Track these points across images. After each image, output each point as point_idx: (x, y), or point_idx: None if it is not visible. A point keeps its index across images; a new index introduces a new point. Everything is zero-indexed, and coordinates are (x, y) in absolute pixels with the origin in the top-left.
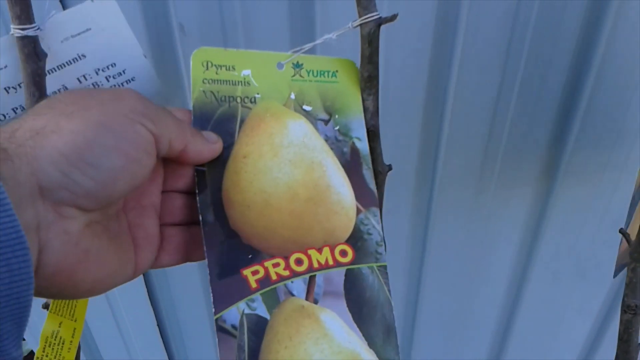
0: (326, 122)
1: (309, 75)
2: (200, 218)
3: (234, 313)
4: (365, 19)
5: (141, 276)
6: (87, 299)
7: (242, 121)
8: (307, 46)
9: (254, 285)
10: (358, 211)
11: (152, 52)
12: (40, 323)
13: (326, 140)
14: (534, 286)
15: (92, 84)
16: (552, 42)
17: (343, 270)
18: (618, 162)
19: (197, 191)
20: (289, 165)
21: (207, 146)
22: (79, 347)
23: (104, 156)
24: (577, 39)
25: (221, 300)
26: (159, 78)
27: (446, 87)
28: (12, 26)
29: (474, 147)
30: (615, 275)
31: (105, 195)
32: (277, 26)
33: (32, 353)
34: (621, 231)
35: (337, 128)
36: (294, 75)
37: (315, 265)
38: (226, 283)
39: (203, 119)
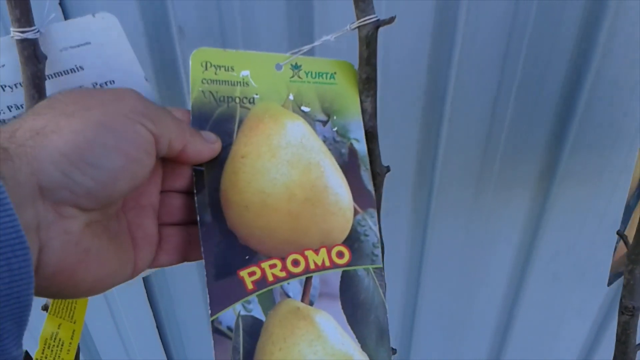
0: (324, 123)
1: (307, 77)
2: (198, 218)
3: (230, 315)
4: (363, 21)
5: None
6: (87, 301)
7: (240, 121)
8: (306, 48)
9: (250, 286)
10: (355, 212)
11: (151, 54)
12: (39, 324)
13: (324, 141)
14: (533, 287)
15: None
16: (551, 43)
17: (339, 271)
18: (617, 163)
19: (195, 191)
20: (287, 165)
21: (206, 146)
22: (78, 348)
23: (104, 156)
24: (575, 40)
25: (217, 302)
26: (159, 79)
27: (445, 88)
28: (12, 29)
29: (472, 148)
30: (609, 284)
31: (105, 195)
32: (275, 28)
33: (27, 354)
34: (619, 233)
35: (335, 129)
36: (292, 77)
37: (312, 266)
38: (223, 284)
39: (202, 119)
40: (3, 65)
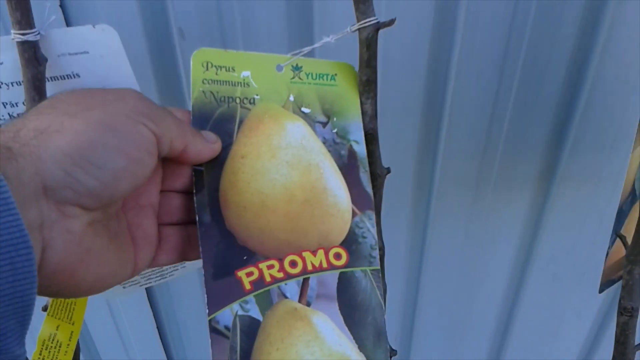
0: (324, 124)
1: (308, 78)
2: (197, 218)
3: (228, 314)
4: (364, 23)
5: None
6: (86, 303)
7: (240, 122)
8: (307, 49)
9: (248, 286)
10: (354, 214)
11: (152, 55)
12: (37, 325)
13: (324, 143)
14: (532, 287)
15: None
16: (550, 46)
17: (337, 273)
18: (616, 164)
19: (194, 191)
20: (287, 166)
21: (206, 146)
22: (79, 349)
23: (107, 156)
24: (574, 42)
25: (215, 302)
26: (159, 81)
27: (444, 90)
28: (12, 31)
29: (472, 149)
30: (600, 291)
31: (108, 195)
32: (275, 30)
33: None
34: (618, 234)
35: (335, 131)
36: (293, 78)
37: (310, 267)
38: (220, 284)
39: (202, 119)
40: (1, 63)
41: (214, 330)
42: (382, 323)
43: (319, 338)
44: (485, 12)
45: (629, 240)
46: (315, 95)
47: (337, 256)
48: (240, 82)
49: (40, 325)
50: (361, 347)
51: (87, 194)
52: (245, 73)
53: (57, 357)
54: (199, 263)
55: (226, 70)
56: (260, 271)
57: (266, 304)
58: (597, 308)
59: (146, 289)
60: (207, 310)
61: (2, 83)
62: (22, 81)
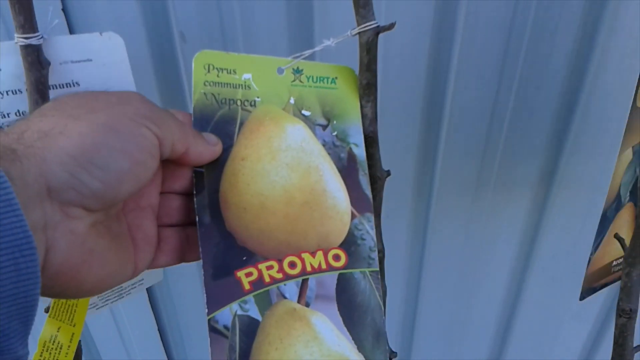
0: (324, 127)
1: (308, 81)
2: (197, 219)
3: (227, 314)
4: (364, 27)
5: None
6: (87, 305)
7: (241, 124)
8: (307, 52)
9: (247, 287)
10: (353, 216)
11: (153, 59)
12: (39, 326)
13: (324, 145)
14: (532, 289)
15: None
16: (548, 49)
17: (335, 274)
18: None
19: (194, 192)
20: (287, 169)
21: (207, 148)
22: (80, 350)
23: (111, 158)
24: (573, 45)
25: (214, 301)
26: (160, 84)
27: (444, 93)
28: (16, 35)
29: (472, 151)
30: (581, 299)
31: (111, 196)
32: (276, 33)
33: None
34: (616, 236)
35: (335, 133)
36: (293, 81)
37: (309, 268)
38: (220, 284)
39: (203, 121)
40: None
41: (213, 329)
42: (381, 324)
43: (318, 338)
44: (484, 15)
45: (611, 251)
46: (316, 98)
47: (336, 257)
48: (242, 85)
49: (40, 327)
50: (360, 348)
51: (91, 195)
52: (247, 75)
53: (57, 359)
54: (157, 279)
55: (227, 72)
56: (260, 272)
57: (265, 304)
58: (597, 310)
59: (147, 289)
60: (207, 310)
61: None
62: (25, 84)
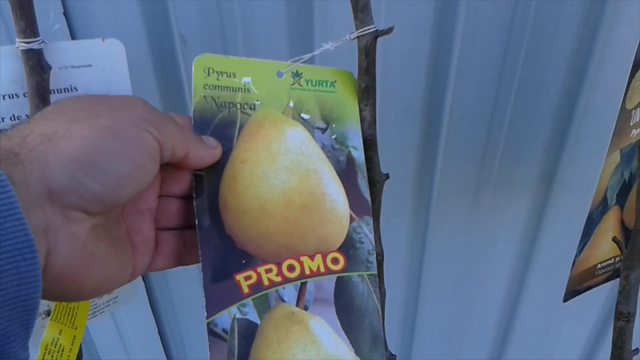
0: (323, 130)
1: (307, 85)
2: (197, 222)
3: (226, 317)
4: (362, 31)
5: (140, 277)
6: (88, 307)
7: (241, 127)
8: (307, 56)
9: (246, 290)
10: (351, 219)
11: (154, 62)
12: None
13: (323, 149)
14: (532, 291)
15: None
16: (547, 53)
17: (334, 277)
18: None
19: (194, 195)
20: (286, 172)
21: (207, 152)
22: (81, 353)
23: (113, 162)
24: (572, 49)
25: (214, 305)
26: (161, 87)
27: (443, 95)
28: (17, 39)
29: (471, 153)
30: (565, 300)
31: (111, 200)
32: (276, 37)
33: None
34: (614, 240)
35: (333, 137)
36: (293, 84)
37: (307, 272)
38: (219, 287)
39: (203, 124)
40: None
41: (212, 333)
42: (378, 328)
43: (316, 342)
44: (483, 17)
45: (597, 254)
46: (315, 101)
47: (335, 261)
48: (241, 88)
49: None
50: (357, 351)
51: (92, 199)
52: (246, 79)
53: None
54: (131, 296)
55: (227, 76)
56: (259, 275)
57: (264, 307)
58: (597, 314)
59: (147, 290)
60: (206, 314)
61: None
62: (25, 89)
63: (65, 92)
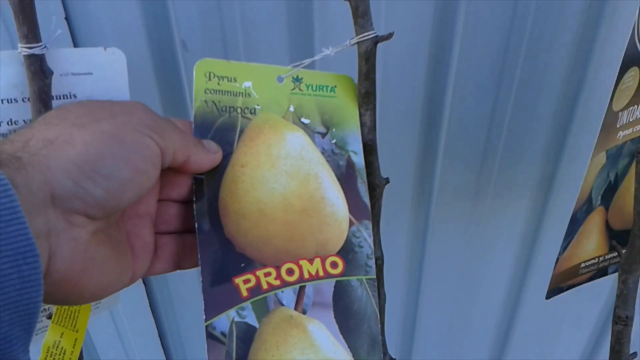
0: (323, 135)
1: (308, 89)
2: (196, 226)
3: (224, 320)
4: (362, 37)
5: (140, 279)
6: (89, 310)
7: (241, 131)
8: (307, 61)
9: (245, 293)
10: (350, 223)
11: (155, 67)
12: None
13: (323, 153)
14: (532, 294)
15: None
16: (546, 57)
17: (333, 281)
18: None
19: (194, 199)
20: (286, 176)
21: (208, 157)
22: (81, 355)
23: (115, 167)
24: (571, 50)
25: (212, 308)
26: (162, 92)
27: (443, 98)
28: (19, 45)
29: (471, 157)
30: (547, 298)
31: (113, 205)
32: (276, 42)
33: None
34: (613, 245)
35: (334, 141)
36: (293, 89)
37: (306, 275)
38: (218, 291)
39: (204, 128)
40: None
41: (210, 336)
42: (376, 332)
43: (314, 346)
44: (482, 23)
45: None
46: (315, 106)
47: (334, 265)
48: (242, 93)
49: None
50: (355, 355)
51: (94, 203)
52: (247, 83)
53: None
54: (114, 304)
55: (228, 80)
56: (258, 278)
57: (262, 311)
58: (596, 317)
59: (147, 291)
60: (204, 317)
61: None
62: (25, 94)
63: (64, 98)
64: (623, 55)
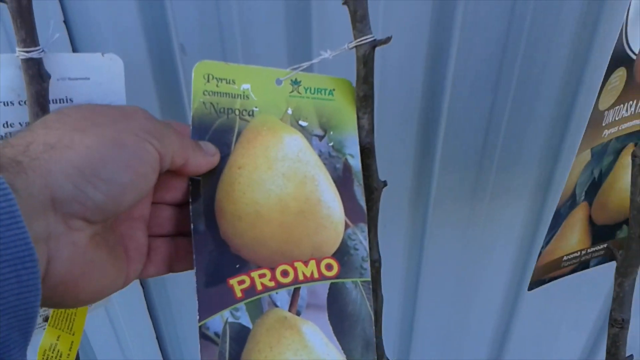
0: (321, 138)
1: (306, 92)
2: (192, 227)
3: (218, 321)
4: (360, 41)
5: (137, 280)
6: (86, 313)
7: (239, 133)
8: (306, 64)
9: (239, 294)
10: (346, 226)
11: (154, 70)
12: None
13: (320, 156)
14: (529, 297)
15: None
16: (543, 60)
17: (327, 283)
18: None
19: (190, 200)
20: (283, 178)
21: (205, 159)
22: (78, 358)
23: (116, 172)
24: (569, 52)
25: (206, 308)
26: (161, 96)
27: (440, 102)
28: (17, 49)
29: (468, 160)
30: (530, 289)
31: (112, 209)
32: (275, 45)
33: None
34: (608, 246)
35: (331, 144)
36: (292, 92)
37: (301, 277)
38: (212, 291)
39: (202, 129)
40: None
41: (204, 336)
42: (370, 334)
43: (308, 347)
44: (480, 26)
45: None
46: (313, 109)
47: (329, 267)
48: (240, 95)
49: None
50: (349, 357)
51: (94, 207)
52: (245, 86)
53: None
54: (104, 303)
55: (227, 82)
56: (252, 280)
57: (257, 312)
58: (593, 320)
59: (144, 291)
60: (198, 317)
61: None
62: (22, 97)
63: (61, 102)
64: (610, 55)
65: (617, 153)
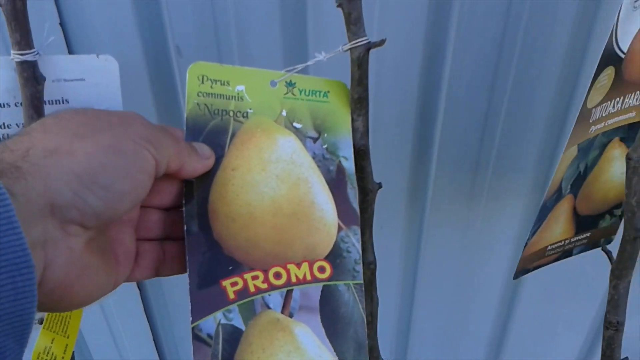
0: (315, 140)
1: (301, 94)
2: (185, 228)
3: (211, 322)
4: (355, 43)
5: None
6: (80, 316)
7: (233, 134)
8: (300, 66)
9: (232, 296)
10: (339, 229)
11: (149, 72)
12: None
13: (314, 158)
14: (526, 299)
15: None
16: (540, 60)
17: (320, 286)
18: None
19: (183, 201)
20: (276, 180)
21: (200, 162)
22: (73, 357)
23: (114, 179)
24: (564, 56)
25: (199, 310)
26: (156, 97)
27: (436, 103)
28: (12, 51)
29: (465, 161)
30: (515, 278)
31: (109, 215)
32: (270, 47)
33: None
34: (604, 249)
35: (325, 146)
36: (286, 93)
37: (294, 279)
38: (205, 293)
39: (195, 131)
40: None
41: (196, 337)
42: (363, 336)
43: (300, 349)
44: (476, 28)
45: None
46: (308, 111)
47: (321, 269)
48: (235, 96)
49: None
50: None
51: (92, 213)
52: (240, 87)
53: None
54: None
55: (221, 84)
56: (245, 281)
57: (249, 313)
58: (590, 322)
59: (140, 291)
60: (191, 318)
61: None
62: (17, 99)
63: (56, 104)
64: (601, 55)
65: (603, 147)
